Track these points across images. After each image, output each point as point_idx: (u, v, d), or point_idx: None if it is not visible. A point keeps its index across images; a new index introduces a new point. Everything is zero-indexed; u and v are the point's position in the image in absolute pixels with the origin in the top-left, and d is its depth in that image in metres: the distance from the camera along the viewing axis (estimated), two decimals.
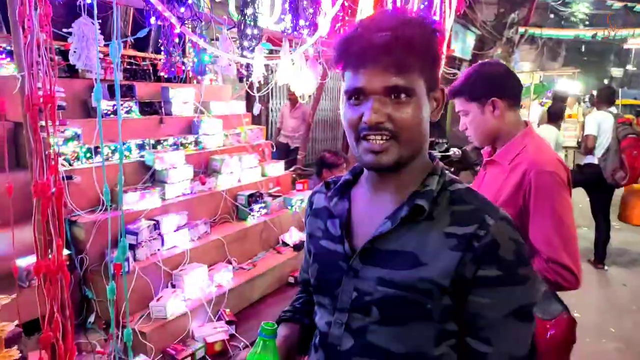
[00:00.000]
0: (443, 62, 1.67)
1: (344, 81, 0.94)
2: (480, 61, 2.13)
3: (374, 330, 0.92)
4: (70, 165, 2.80)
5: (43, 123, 1.68)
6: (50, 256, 1.65)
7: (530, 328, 0.91)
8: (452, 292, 0.87)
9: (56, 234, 1.63)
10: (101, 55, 3.29)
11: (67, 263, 2.57)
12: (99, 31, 1.78)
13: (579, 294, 1.65)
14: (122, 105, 3.30)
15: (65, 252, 2.54)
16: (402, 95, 0.87)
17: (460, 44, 13.49)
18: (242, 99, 4.42)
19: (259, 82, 2.94)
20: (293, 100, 6.54)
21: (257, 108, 3.27)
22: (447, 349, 0.91)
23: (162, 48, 2.35)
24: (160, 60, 3.49)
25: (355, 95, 0.90)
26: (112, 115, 3.25)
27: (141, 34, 2.12)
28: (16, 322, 1.31)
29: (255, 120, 4.95)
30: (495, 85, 1.62)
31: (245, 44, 2.46)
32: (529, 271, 0.89)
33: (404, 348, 0.90)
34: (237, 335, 2.80)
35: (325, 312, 1.01)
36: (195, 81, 4.22)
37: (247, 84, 3.06)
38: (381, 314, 0.91)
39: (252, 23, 2.41)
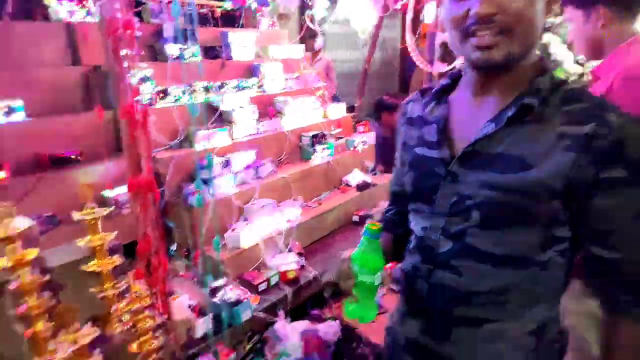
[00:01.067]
0: None
1: None
2: None
3: (473, 234, 0.89)
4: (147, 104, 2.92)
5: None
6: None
7: None
8: (566, 196, 0.81)
9: (145, 155, 1.72)
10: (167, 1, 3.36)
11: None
12: None
13: None
14: (185, 49, 3.36)
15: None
16: None
17: None
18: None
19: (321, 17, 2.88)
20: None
21: (320, 41, 3.21)
22: (554, 254, 0.87)
23: None
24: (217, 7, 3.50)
25: None
26: (177, 59, 3.33)
27: None
28: (116, 232, 1.41)
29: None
30: None
31: None
32: None
33: (505, 251, 0.87)
34: (306, 266, 2.89)
35: (421, 218, 1.00)
36: (258, 27, 4.23)
37: (308, 17, 3.01)
38: (482, 217, 0.87)
39: None
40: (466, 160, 0.91)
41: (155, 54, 3.40)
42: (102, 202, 2.56)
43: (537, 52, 0.92)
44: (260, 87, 3.71)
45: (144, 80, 2.96)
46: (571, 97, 0.85)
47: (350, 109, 5.97)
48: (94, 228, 1.35)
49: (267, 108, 3.58)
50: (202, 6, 4.13)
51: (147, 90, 2.92)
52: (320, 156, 3.63)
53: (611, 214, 0.81)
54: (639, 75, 1.36)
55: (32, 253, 1.16)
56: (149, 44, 3.39)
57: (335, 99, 4.35)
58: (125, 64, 1.82)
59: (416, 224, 1.04)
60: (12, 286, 1.15)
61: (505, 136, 0.87)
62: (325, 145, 3.67)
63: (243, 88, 3.57)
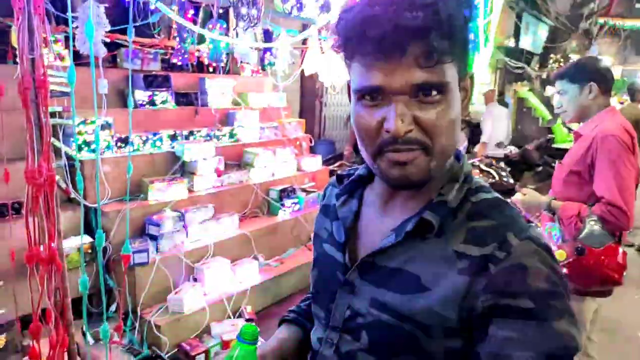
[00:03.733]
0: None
1: (350, 73, 0.75)
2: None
3: (362, 358, 0.77)
4: (100, 154, 2.82)
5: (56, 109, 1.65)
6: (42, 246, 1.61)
7: None
8: (462, 329, 0.70)
9: (48, 221, 1.59)
10: (137, 46, 3.32)
11: (89, 252, 2.61)
12: (106, 15, 1.72)
13: None
14: (157, 95, 3.30)
15: (87, 240, 2.57)
16: (434, 93, 0.68)
17: (531, 36, 12.66)
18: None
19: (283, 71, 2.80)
20: None
21: (280, 98, 3.12)
22: None
23: (175, 35, 2.27)
24: (200, 50, 3.44)
25: (371, 95, 0.70)
26: (147, 106, 3.27)
27: (153, 19, 2.05)
28: (3, 310, 1.26)
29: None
30: (594, 73, 1.95)
31: (241, 25, 2.30)
32: (565, 304, 0.68)
33: None
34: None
35: (319, 326, 0.89)
36: (242, 73, 4.18)
37: (270, 72, 2.93)
38: (370, 341, 0.76)
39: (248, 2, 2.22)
40: (364, 270, 0.80)
41: (124, 100, 3.33)
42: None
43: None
44: (233, 136, 3.62)
45: (103, 127, 2.88)
46: (478, 212, 0.75)
47: (340, 156, 5.88)
48: None
49: (236, 160, 3.48)
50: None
51: (104, 139, 2.83)
52: (289, 211, 3.49)
53: (509, 349, 0.67)
54: (612, 134, 1.81)
55: None
56: (120, 89, 3.33)
57: (312, 150, 4.24)
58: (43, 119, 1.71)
59: (314, 332, 0.92)
60: None
61: (404, 250, 0.77)
62: (295, 200, 3.53)
63: (215, 136, 3.48)
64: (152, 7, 1.84)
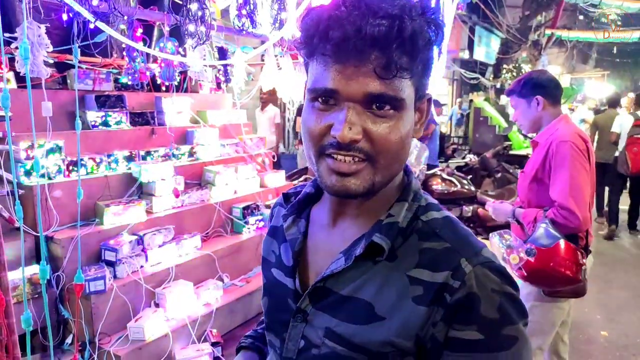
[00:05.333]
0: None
1: (308, 72, 0.73)
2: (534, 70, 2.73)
3: None
4: (50, 179, 2.69)
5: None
6: None
7: None
8: (417, 353, 0.70)
9: None
10: (88, 66, 3.22)
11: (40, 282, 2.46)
12: (54, 35, 1.65)
13: None
14: (110, 116, 3.20)
15: (36, 269, 2.43)
16: (387, 107, 0.67)
17: (484, 48, 13.13)
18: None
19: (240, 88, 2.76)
20: (264, 100, 6.47)
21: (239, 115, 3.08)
22: None
23: (124, 54, 2.20)
24: (151, 69, 3.36)
25: (324, 97, 0.69)
26: (100, 127, 3.16)
27: (99, 38, 1.98)
28: None
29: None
30: (538, 87, 2.09)
31: (189, 42, 2.26)
32: (516, 331, 0.68)
33: None
34: (222, 358, 2.62)
35: (273, 355, 0.86)
36: (200, 90, 4.11)
37: (225, 89, 2.89)
38: None
39: (196, 19, 2.18)
40: (317, 297, 0.76)
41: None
42: None
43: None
44: (192, 154, 3.55)
45: (53, 151, 2.75)
46: (430, 232, 0.74)
47: (304, 170, 5.86)
48: None
49: (195, 180, 3.39)
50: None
51: (53, 163, 2.70)
52: (253, 229, 3.43)
53: None
54: (567, 140, 1.93)
55: None
56: (70, 111, 3.21)
57: (276, 165, 4.20)
58: None
59: None
60: None
61: (355, 275, 0.73)
62: (259, 217, 3.47)
63: (173, 155, 3.39)
64: (91, 26, 1.76)
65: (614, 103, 6.66)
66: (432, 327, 0.68)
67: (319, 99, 0.69)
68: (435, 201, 0.81)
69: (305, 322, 0.77)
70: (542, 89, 2.09)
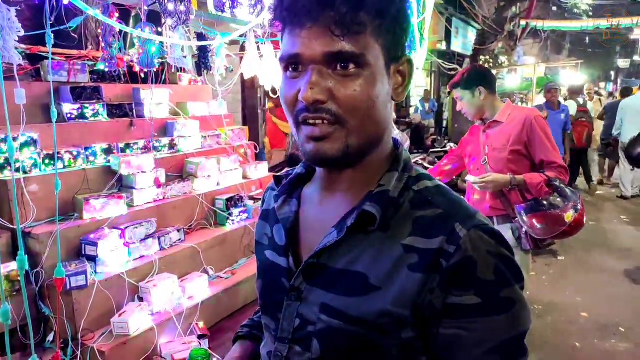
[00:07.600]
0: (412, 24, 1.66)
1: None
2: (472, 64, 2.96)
3: None
4: (26, 173, 2.61)
5: None
6: None
7: None
8: (415, 322, 0.68)
9: None
10: (63, 58, 3.12)
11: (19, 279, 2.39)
12: (27, 24, 1.58)
13: None
14: (87, 108, 3.11)
15: (14, 265, 2.35)
16: (350, 66, 0.67)
17: (461, 39, 13.23)
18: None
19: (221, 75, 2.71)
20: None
21: (220, 104, 3.03)
22: None
23: (100, 39, 2.13)
24: (130, 55, 3.26)
25: (293, 64, 0.69)
26: (76, 120, 3.07)
27: (74, 22, 1.91)
28: None
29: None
30: (479, 78, 2.37)
31: (169, 21, 2.21)
32: (514, 293, 0.68)
33: None
34: (209, 350, 2.58)
35: (269, 339, 0.84)
36: (179, 82, 4.03)
37: (206, 76, 2.83)
38: (322, 349, 0.72)
39: None
40: (310, 274, 0.75)
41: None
42: None
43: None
44: (173, 146, 3.48)
45: (28, 144, 2.66)
46: (423, 200, 0.73)
47: (287, 162, 5.83)
48: None
49: (177, 172, 3.33)
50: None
51: (28, 157, 2.61)
52: (237, 220, 3.39)
53: (461, 347, 0.68)
54: (539, 115, 2.35)
55: None
56: (45, 103, 3.10)
57: (258, 157, 4.16)
58: None
59: (264, 346, 0.86)
60: None
61: (348, 248, 0.72)
62: (242, 208, 3.44)
63: (154, 147, 3.32)
64: (65, 1, 1.68)
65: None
66: (429, 293, 0.67)
67: (290, 68, 0.70)
68: (427, 172, 0.80)
69: (299, 301, 0.76)
70: (483, 80, 2.36)
